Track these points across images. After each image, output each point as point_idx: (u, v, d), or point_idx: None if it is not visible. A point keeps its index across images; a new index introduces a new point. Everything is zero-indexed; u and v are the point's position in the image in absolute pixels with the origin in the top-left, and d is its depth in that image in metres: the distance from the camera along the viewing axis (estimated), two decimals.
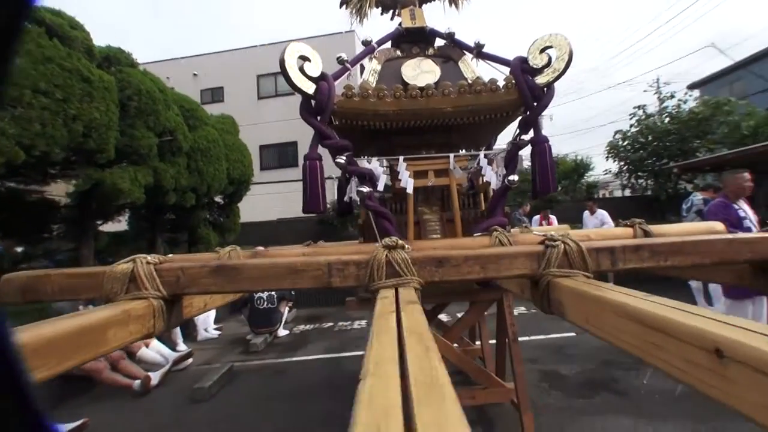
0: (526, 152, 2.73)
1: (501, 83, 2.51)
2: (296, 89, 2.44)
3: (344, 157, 2.53)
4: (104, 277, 1.30)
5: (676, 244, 1.33)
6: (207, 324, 6.42)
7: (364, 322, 6.58)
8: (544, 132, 2.63)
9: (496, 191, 2.59)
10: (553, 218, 8.13)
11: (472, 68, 2.85)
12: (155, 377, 4.21)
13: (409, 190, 2.67)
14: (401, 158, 2.67)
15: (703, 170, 8.18)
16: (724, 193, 3.43)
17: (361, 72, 3.06)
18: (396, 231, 2.52)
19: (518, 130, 2.61)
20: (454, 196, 2.74)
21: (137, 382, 4.02)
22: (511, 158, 2.62)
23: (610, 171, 11.70)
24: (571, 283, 1.22)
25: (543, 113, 2.48)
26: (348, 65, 2.76)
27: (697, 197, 5.00)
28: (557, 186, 2.56)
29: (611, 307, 0.92)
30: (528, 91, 2.44)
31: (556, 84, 2.46)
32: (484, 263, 1.32)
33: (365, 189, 2.50)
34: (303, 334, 6.29)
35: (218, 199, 8.50)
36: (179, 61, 19.67)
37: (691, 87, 12.79)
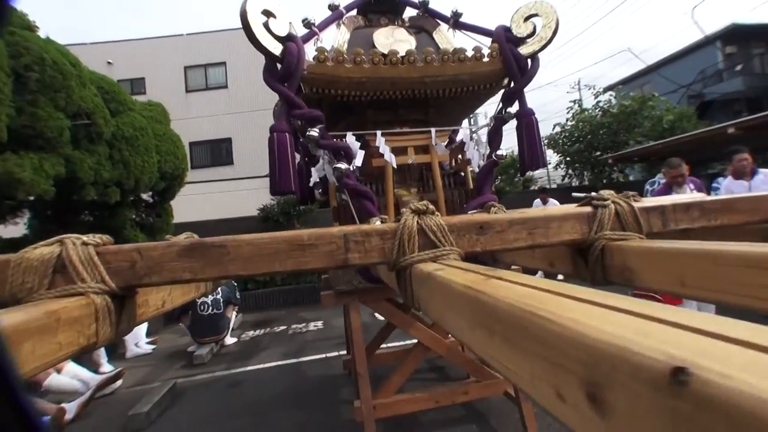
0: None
1: (486, 52, 2.34)
2: (260, 49, 2.07)
3: (317, 130, 2.20)
4: (9, 268, 0.88)
5: (729, 202, 1.21)
6: (138, 338, 5.61)
7: (320, 323, 6.19)
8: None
9: (483, 168, 2.41)
10: (553, 201, 7.59)
11: (449, 39, 2.66)
12: (71, 409, 3.39)
13: (394, 165, 2.41)
14: (379, 132, 2.40)
15: (632, 160, 8.94)
16: (666, 181, 3.65)
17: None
18: (377, 211, 2.25)
19: (501, 104, 2.46)
20: (437, 175, 2.53)
21: (46, 419, 3.21)
22: (495, 133, 2.47)
23: (549, 163, 12.43)
24: (638, 244, 1.04)
25: (526, 86, 2.35)
26: (315, 29, 2.44)
27: (664, 180, 5.30)
28: (546, 161, 2.45)
29: (723, 259, 0.74)
30: (513, 60, 2.30)
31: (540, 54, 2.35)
32: (532, 228, 1.11)
33: (343, 165, 2.19)
34: (254, 341, 5.76)
35: (147, 196, 7.59)
36: (90, 46, 17.55)
37: (606, 89, 13.91)
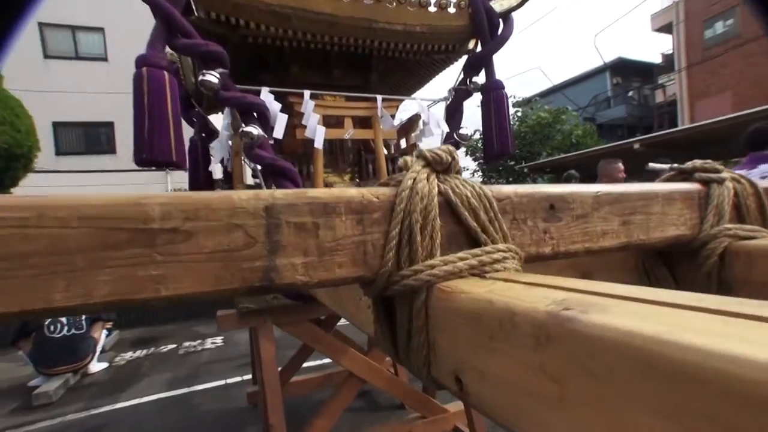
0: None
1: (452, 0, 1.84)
2: None
3: (216, 75, 1.48)
4: None
5: None
6: None
7: (220, 339, 5.19)
8: None
9: None
10: None
11: None
12: None
13: (319, 145, 1.77)
14: (307, 93, 1.75)
15: (545, 171, 9.41)
16: (599, 181, 3.56)
17: None
18: None
19: (464, 73, 1.97)
20: (381, 158, 1.95)
21: None
22: (455, 108, 1.97)
23: (467, 169, 12.67)
24: None
25: (497, 52, 1.89)
26: None
27: None
28: (514, 146, 2.01)
29: None
30: (485, 16, 1.83)
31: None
32: (628, 213, 0.58)
33: (255, 131, 1.50)
34: (131, 366, 4.58)
35: None
36: None
37: (515, 105, 14.76)
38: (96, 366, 4.43)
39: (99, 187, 11.67)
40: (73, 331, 4.13)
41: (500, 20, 1.88)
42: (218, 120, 2.52)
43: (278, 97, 1.74)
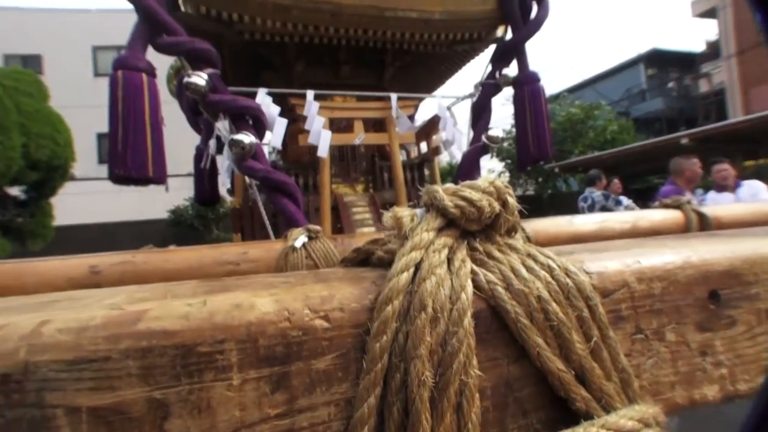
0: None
1: None
2: None
3: (203, 76, 1.27)
4: None
5: None
6: None
7: None
8: None
9: (467, 155, 1.63)
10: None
11: None
12: None
13: (323, 153, 1.54)
14: (311, 93, 1.52)
15: (577, 170, 8.87)
16: (672, 179, 3.13)
17: None
18: (304, 218, 1.36)
19: (492, 65, 1.70)
20: (398, 164, 1.70)
21: None
22: (482, 106, 1.70)
23: (493, 170, 12.17)
24: None
25: (530, 39, 1.61)
26: None
27: (596, 193, 4.82)
28: (553, 149, 1.73)
29: None
30: None
31: None
32: None
33: (246, 139, 1.28)
34: None
35: (17, 192, 6.00)
36: None
37: (553, 98, 14.12)
38: None
39: (131, 192, 12.07)
40: None
41: (533, 2, 1.60)
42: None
43: (279, 99, 1.53)
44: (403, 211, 0.21)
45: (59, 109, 6.26)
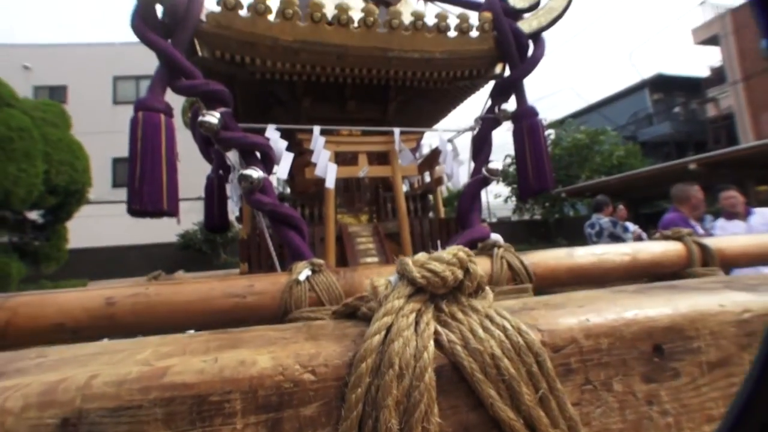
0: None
1: (474, 23, 1.66)
2: None
3: (216, 115, 1.35)
4: None
5: None
6: None
7: None
8: None
9: (468, 187, 1.67)
10: (497, 236, 4.56)
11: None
12: None
13: (330, 184, 1.60)
14: (317, 129, 1.60)
15: (584, 195, 8.87)
16: (675, 207, 3.11)
17: None
18: (310, 250, 1.41)
19: (491, 100, 1.77)
20: (400, 195, 1.75)
21: None
22: (482, 139, 1.76)
23: (500, 195, 12.26)
24: None
25: (528, 76, 1.68)
26: None
27: (603, 220, 4.77)
28: (554, 180, 1.77)
29: None
30: (512, 38, 1.63)
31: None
32: None
33: (255, 174, 1.35)
34: None
35: (35, 216, 6.17)
36: (3, 48, 15.72)
37: (548, 126, 14.30)
38: None
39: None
40: None
41: (529, 41, 1.68)
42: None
43: (287, 134, 1.60)
44: (380, 280, 0.25)
45: (79, 135, 6.51)
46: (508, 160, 11.00)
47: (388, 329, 0.23)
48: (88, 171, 6.43)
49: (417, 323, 0.23)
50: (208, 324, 1.03)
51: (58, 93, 16.58)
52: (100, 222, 11.34)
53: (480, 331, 0.24)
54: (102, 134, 14.38)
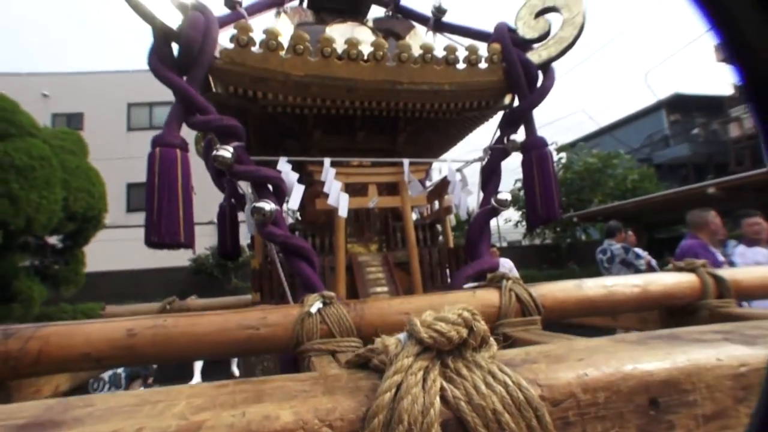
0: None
1: (483, 55, 1.71)
2: (143, 14, 1.31)
3: (229, 149, 1.41)
4: None
5: None
6: None
7: None
8: None
9: (477, 218, 1.69)
10: (506, 261, 4.52)
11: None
12: None
13: (343, 213, 1.63)
14: (327, 161, 1.65)
15: (596, 220, 8.77)
16: (692, 233, 3.05)
17: None
18: (320, 280, 1.43)
19: (500, 131, 1.81)
20: (410, 225, 1.77)
21: None
22: (491, 170, 1.78)
23: (510, 219, 12.18)
24: None
25: (537, 106, 1.72)
26: (242, 10, 1.73)
27: (615, 246, 4.71)
28: (561, 210, 1.78)
29: None
30: (521, 69, 1.68)
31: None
32: None
33: (267, 206, 1.39)
34: None
35: (54, 240, 6.32)
36: (23, 77, 16.39)
37: (559, 150, 14.35)
38: None
39: None
40: (113, 389, 4.13)
41: (539, 72, 1.73)
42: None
43: (298, 165, 1.65)
44: (390, 339, 0.27)
45: (94, 161, 6.71)
46: (519, 185, 11.00)
47: (398, 387, 0.24)
48: (104, 197, 6.60)
49: (424, 380, 0.25)
50: (223, 354, 1.05)
51: (75, 120, 17.14)
52: (115, 246, 11.54)
53: (483, 387, 0.26)
54: (117, 160, 14.71)
